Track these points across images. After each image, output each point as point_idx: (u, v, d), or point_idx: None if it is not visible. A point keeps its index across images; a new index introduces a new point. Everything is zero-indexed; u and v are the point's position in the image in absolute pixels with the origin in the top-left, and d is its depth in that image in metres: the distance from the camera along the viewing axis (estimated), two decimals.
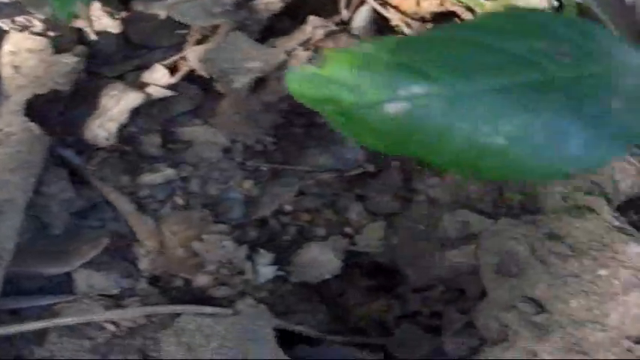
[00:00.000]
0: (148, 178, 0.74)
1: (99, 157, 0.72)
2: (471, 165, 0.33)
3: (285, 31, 0.73)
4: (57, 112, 0.72)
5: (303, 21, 0.75)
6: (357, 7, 0.80)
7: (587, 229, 0.62)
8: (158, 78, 0.69)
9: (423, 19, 0.83)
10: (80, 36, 0.71)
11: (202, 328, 0.70)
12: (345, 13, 0.79)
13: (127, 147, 0.73)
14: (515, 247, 0.65)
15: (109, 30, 0.71)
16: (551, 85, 0.31)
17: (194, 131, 0.75)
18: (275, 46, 0.69)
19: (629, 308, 0.59)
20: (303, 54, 0.72)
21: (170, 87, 0.70)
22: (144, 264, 0.74)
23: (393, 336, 0.82)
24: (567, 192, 0.67)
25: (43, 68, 0.65)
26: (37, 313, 0.71)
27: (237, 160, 0.78)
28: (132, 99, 0.66)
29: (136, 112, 0.69)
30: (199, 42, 0.71)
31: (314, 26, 0.69)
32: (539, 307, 0.63)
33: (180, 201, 0.77)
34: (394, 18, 0.80)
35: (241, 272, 0.77)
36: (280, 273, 0.78)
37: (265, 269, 0.78)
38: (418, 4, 0.81)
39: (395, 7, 0.81)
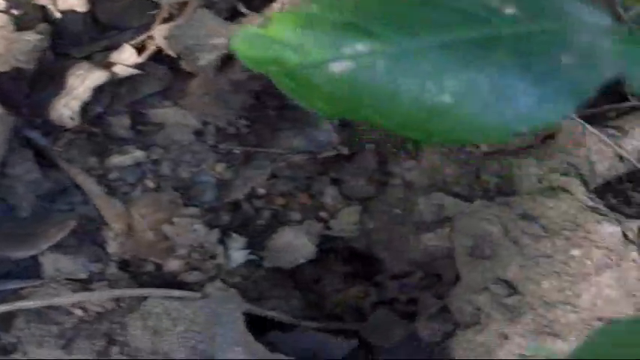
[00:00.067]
0: (116, 160, 0.73)
1: (65, 139, 0.71)
2: (420, 127, 0.31)
3: (256, 10, 0.72)
4: (23, 93, 0.71)
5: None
6: None
7: (560, 210, 0.61)
8: (126, 58, 0.67)
9: None
10: (44, 14, 0.70)
11: (169, 311, 0.69)
12: None
13: (95, 128, 0.71)
14: (488, 229, 0.64)
15: (75, 8, 0.69)
16: (500, 41, 0.30)
17: (165, 113, 0.74)
18: (242, 23, 0.68)
19: (601, 289, 0.58)
20: None
21: (138, 67, 0.69)
22: (113, 247, 0.73)
23: (367, 322, 0.81)
24: (543, 173, 0.66)
25: (3, 45, 0.63)
26: (3, 297, 0.70)
27: (209, 142, 0.76)
28: (96, 77, 0.65)
29: (102, 93, 0.68)
30: (167, 20, 0.69)
31: (283, 3, 0.67)
32: (512, 288, 0.61)
33: (150, 184, 0.75)
34: None
35: (213, 257, 0.75)
36: (252, 257, 0.77)
37: (237, 253, 0.76)
38: None
39: None
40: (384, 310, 0.82)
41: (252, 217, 0.79)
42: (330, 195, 0.79)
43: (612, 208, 0.74)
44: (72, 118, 0.65)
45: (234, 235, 0.76)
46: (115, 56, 0.68)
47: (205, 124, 0.75)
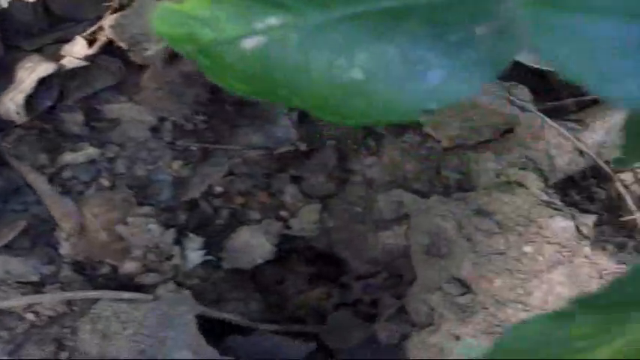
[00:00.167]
0: (69, 157, 0.71)
1: (15, 135, 0.69)
2: (333, 106, 0.30)
3: None
4: None
5: None
6: None
7: (515, 205, 0.60)
8: (77, 50, 0.66)
9: None
10: None
11: (119, 314, 0.67)
12: None
13: (46, 124, 0.70)
14: (442, 226, 0.63)
15: None
16: (414, 10, 0.28)
17: (120, 109, 0.72)
18: None
19: (553, 286, 0.56)
20: None
21: (89, 59, 0.67)
22: (65, 249, 0.71)
23: (326, 324, 0.79)
24: (501, 168, 0.65)
25: None
26: None
27: (165, 139, 0.75)
28: (43, 69, 0.63)
29: (51, 86, 0.66)
30: (117, 10, 0.68)
31: None
32: (465, 287, 0.60)
33: (106, 182, 0.74)
34: None
35: (169, 258, 0.74)
36: (209, 258, 0.75)
37: (194, 254, 0.75)
38: None
39: None
40: (343, 312, 0.81)
41: (211, 216, 0.78)
42: (289, 193, 0.78)
43: (575, 205, 0.73)
44: (18, 113, 0.64)
45: (190, 235, 0.75)
46: (67, 49, 0.67)
47: (162, 120, 0.74)
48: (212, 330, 0.74)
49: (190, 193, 0.75)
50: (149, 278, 0.73)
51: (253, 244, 0.76)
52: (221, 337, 0.76)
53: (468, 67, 0.28)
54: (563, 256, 0.56)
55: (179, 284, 0.74)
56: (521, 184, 0.61)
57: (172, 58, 0.67)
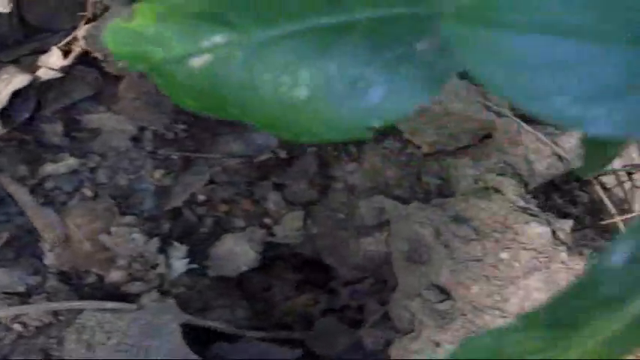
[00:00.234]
0: (50, 168, 0.71)
1: None
2: (281, 124, 0.30)
3: None
4: None
5: None
6: None
7: (491, 211, 0.60)
8: (53, 61, 0.66)
9: None
10: None
11: (103, 324, 0.67)
12: None
13: (26, 136, 0.70)
14: (420, 232, 0.63)
15: None
16: (352, 28, 0.28)
17: (100, 119, 0.73)
18: None
19: (529, 292, 0.56)
20: None
21: (66, 70, 0.67)
22: (49, 259, 0.72)
23: (312, 330, 0.79)
24: (479, 174, 0.65)
25: None
26: None
27: (147, 148, 0.75)
28: (18, 81, 0.63)
29: (27, 98, 0.66)
30: (91, 21, 0.68)
31: None
32: (444, 294, 0.60)
33: (88, 192, 0.74)
34: None
35: (154, 266, 0.74)
36: (193, 266, 0.75)
37: (178, 263, 0.75)
38: None
39: None
40: (329, 318, 0.81)
41: (195, 224, 0.78)
42: (272, 200, 0.78)
43: (557, 208, 0.73)
44: None
45: (175, 243, 0.75)
46: (43, 59, 0.67)
47: (142, 129, 0.74)
48: (198, 338, 0.75)
49: (173, 202, 0.75)
50: (135, 287, 0.73)
51: (237, 251, 0.76)
52: (208, 345, 0.77)
53: (409, 82, 0.28)
54: (540, 262, 0.56)
55: (165, 293, 0.75)
56: (497, 190, 0.62)
57: None
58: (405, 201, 0.71)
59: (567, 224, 0.60)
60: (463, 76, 0.62)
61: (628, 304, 0.26)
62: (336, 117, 0.29)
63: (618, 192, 0.73)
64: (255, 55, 0.30)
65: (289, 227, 0.78)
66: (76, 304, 0.68)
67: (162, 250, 0.74)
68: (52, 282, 0.72)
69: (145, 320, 0.68)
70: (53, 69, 0.65)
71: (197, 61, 0.31)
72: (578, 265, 0.57)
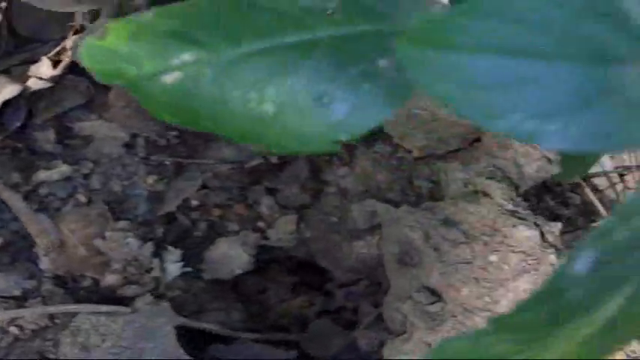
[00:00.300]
0: (43, 175, 0.72)
1: None
2: (252, 137, 0.31)
3: None
4: None
5: None
6: None
7: (480, 214, 0.60)
8: (44, 71, 0.67)
9: None
10: None
11: (98, 327, 0.68)
12: None
13: (19, 143, 0.71)
14: (410, 235, 0.63)
15: None
16: (315, 46, 0.29)
17: (92, 126, 0.73)
18: None
19: (519, 294, 0.57)
20: None
21: (56, 80, 0.68)
22: (44, 264, 0.72)
23: (307, 332, 0.80)
24: (469, 177, 0.65)
25: None
26: None
27: (140, 155, 0.76)
28: (8, 91, 0.64)
29: (18, 107, 0.67)
30: (79, 31, 0.69)
31: None
32: (435, 296, 0.61)
33: (82, 198, 0.74)
34: None
35: (149, 270, 0.75)
36: (188, 269, 0.76)
37: (173, 266, 0.76)
38: None
39: None
40: (324, 320, 0.81)
41: (189, 229, 0.78)
42: (265, 205, 0.78)
43: (549, 210, 0.73)
44: None
45: (169, 247, 0.76)
46: (33, 69, 0.68)
47: (134, 136, 0.74)
48: (194, 340, 0.75)
49: (166, 207, 0.76)
50: (130, 290, 0.74)
51: (232, 255, 0.77)
52: (203, 348, 0.77)
53: (372, 98, 0.29)
54: (529, 265, 0.57)
55: (160, 296, 0.75)
56: (486, 194, 0.62)
57: None
58: (396, 204, 0.71)
59: (556, 227, 0.60)
60: None
61: (593, 312, 0.27)
62: (303, 131, 0.29)
63: (610, 194, 0.73)
64: (224, 72, 0.30)
65: (283, 231, 0.79)
66: (71, 307, 0.69)
67: (156, 254, 0.75)
68: (48, 286, 0.72)
69: (140, 323, 0.69)
70: (43, 79, 0.66)
71: (168, 78, 0.31)
72: None
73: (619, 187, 0.75)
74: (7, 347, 0.69)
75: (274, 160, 0.75)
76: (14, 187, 0.71)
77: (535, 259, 0.57)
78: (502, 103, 0.23)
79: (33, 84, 0.67)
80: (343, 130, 0.29)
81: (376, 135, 0.74)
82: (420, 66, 0.23)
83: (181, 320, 0.73)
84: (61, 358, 0.69)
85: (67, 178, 0.74)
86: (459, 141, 0.68)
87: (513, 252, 0.57)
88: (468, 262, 0.58)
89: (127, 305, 0.73)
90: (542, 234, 0.59)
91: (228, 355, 0.77)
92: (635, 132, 0.22)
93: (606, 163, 0.82)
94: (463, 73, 0.23)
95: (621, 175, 0.75)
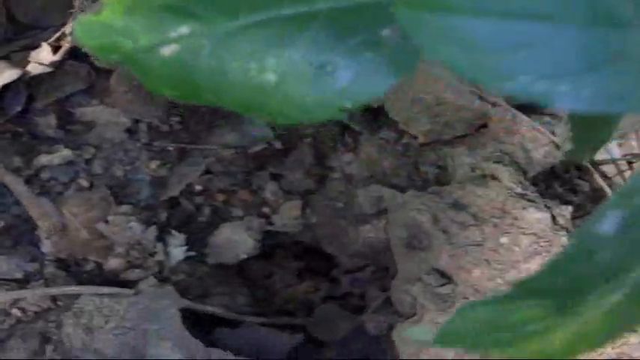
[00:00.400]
0: (44, 159, 0.71)
1: None
2: (254, 106, 0.30)
3: None
4: None
5: None
6: None
7: (489, 197, 0.59)
8: (44, 57, 0.66)
9: None
10: None
11: (101, 308, 0.67)
12: None
13: (20, 128, 0.70)
14: (418, 219, 0.62)
15: None
16: (314, 17, 0.28)
17: (93, 112, 0.72)
18: None
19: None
20: None
21: (56, 65, 0.67)
22: (46, 247, 0.72)
23: (313, 316, 0.79)
24: (476, 162, 0.64)
25: None
26: None
27: (142, 140, 0.75)
28: (7, 75, 0.63)
29: (18, 91, 0.66)
30: None
31: None
32: (445, 278, 0.60)
33: (84, 183, 0.74)
34: None
35: (152, 254, 0.74)
36: (191, 254, 0.75)
37: (177, 250, 0.75)
38: None
39: None
40: (330, 305, 0.81)
41: (193, 214, 0.78)
42: (270, 190, 0.78)
43: (557, 197, 0.72)
44: None
45: (173, 232, 0.75)
46: (33, 55, 0.67)
47: (137, 122, 0.74)
48: (199, 324, 0.75)
49: (169, 192, 0.75)
50: (134, 274, 0.73)
51: (236, 239, 0.76)
52: (208, 331, 0.77)
53: (375, 66, 0.28)
54: (541, 247, 0.56)
55: (164, 280, 0.75)
56: (495, 178, 0.61)
57: None
58: (402, 190, 0.70)
59: (567, 210, 0.59)
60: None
61: (621, 276, 0.26)
62: (307, 100, 0.29)
63: (619, 181, 0.72)
64: (222, 44, 0.30)
65: (287, 216, 0.78)
66: (74, 288, 0.69)
67: (160, 238, 0.74)
68: (50, 269, 0.72)
69: (144, 305, 0.68)
70: (43, 64, 0.65)
71: (165, 51, 0.31)
72: None
73: (627, 174, 0.74)
74: (9, 329, 0.69)
75: (278, 145, 0.75)
76: (15, 171, 0.71)
77: (547, 242, 0.56)
78: (510, 65, 0.23)
79: (33, 69, 0.66)
80: (348, 97, 0.28)
81: (381, 122, 0.73)
82: (419, 29, 0.22)
83: (186, 303, 0.72)
84: (64, 339, 0.69)
85: (69, 163, 0.73)
86: (465, 126, 0.67)
87: (524, 234, 0.56)
88: (478, 245, 0.57)
89: (130, 288, 0.72)
90: (553, 217, 0.58)
91: (234, 338, 0.76)
92: None
93: (614, 150, 0.80)
94: (466, 37, 0.22)
95: (629, 163, 0.74)
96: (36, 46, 0.68)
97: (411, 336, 0.51)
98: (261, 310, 0.82)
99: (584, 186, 0.76)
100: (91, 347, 0.66)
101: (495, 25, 0.22)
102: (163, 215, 0.76)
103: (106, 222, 0.72)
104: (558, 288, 0.25)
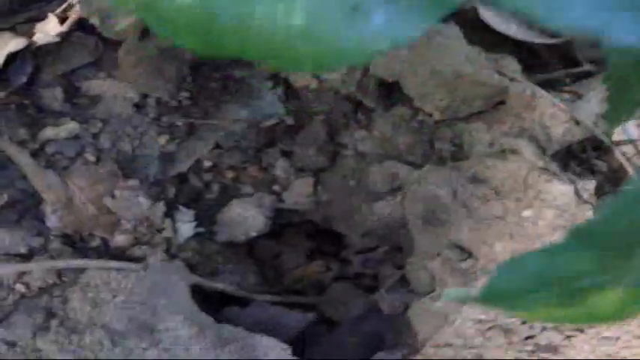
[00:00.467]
0: (50, 132, 0.69)
1: None
2: (281, 54, 0.28)
3: None
4: None
5: None
6: None
7: (509, 171, 0.57)
8: (50, 28, 0.64)
9: None
10: None
11: (109, 282, 0.65)
12: None
13: (25, 100, 0.68)
14: (437, 193, 0.60)
15: None
16: None
17: (101, 85, 0.70)
18: None
19: None
20: None
21: (64, 37, 0.65)
22: (52, 221, 0.70)
23: (325, 295, 0.78)
24: (494, 138, 0.62)
25: None
26: None
27: (150, 115, 0.73)
28: (13, 45, 0.61)
29: (24, 62, 0.64)
30: None
31: None
32: (465, 252, 0.58)
33: (91, 157, 0.72)
34: None
35: (160, 230, 0.72)
36: (200, 230, 0.73)
37: (185, 227, 0.73)
38: None
39: None
40: (343, 284, 0.79)
41: (201, 190, 0.76)
42: (281, 167, 0.76)
43: (573, 171, 0.70)
44: None
45: (181, 208, 0.73)
46: (39, 26, 0.65)
47: (145, 96, 0.72)
48: (209, 302, 0.73)
49: (178, 168, 0.73)
50: (141, 251, 0.72)
51: (246, 216, 0.74)
52: (218, 310, 0.75)
53: (411, 7, 0.26)
54: (566, 220, 0.54)
55: (172, 257, 0.73)
56: (515, 152, 0.59)
57: (147, 32, 0.65)
58: (418, 167, 0.68)
59: (591, 184, 0.57)
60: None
61: None
62: (338, 43, 0.27)
63: (637, 161, 0.70)
64: None
65: (298, 193, 0.76)
66: (81, 262, 0.67)
67: (168, 214, 0.72)
68: (55, 244, 0.70)
69: (152, 279, 0.67)
70: (50, 34, 0.63)
71: None
72: None
73: None
74: (13, 304, 0.67)
75: (290, 121, 0.72)
76: (21, 144, 0.69)
77: (572, 215, 0.54)
78: None
79: (39, 39, 0.64)
80: (383, 39, 0.26)
81: (395, 98, 0.71)
82: None
83: (195, 279, 0.70)
84: (70, 314, 0.67)
85: (76, 137, 0.71)
86: (483, 103, 0.65)
87: (548, 208, 0.54)
88: (500, 218, 0.55)
89: (138, 263, 0.70)
90: (576, 190, 0.56)
91: (244, 317, 0.74)
92: None
93: (633, 131, 0.78)
94: None
95: None
96: (42, 18, 0.66)
97: (446, 296, 0.48)
98: (271, 289, 0.80)
99: (602, 166, 0.74)
100: (98, 322, 0.65)
101: None
102: (171, 191, 0.74)
103: (113, 197, 0.70)
104: (614, 241, 0.23)
